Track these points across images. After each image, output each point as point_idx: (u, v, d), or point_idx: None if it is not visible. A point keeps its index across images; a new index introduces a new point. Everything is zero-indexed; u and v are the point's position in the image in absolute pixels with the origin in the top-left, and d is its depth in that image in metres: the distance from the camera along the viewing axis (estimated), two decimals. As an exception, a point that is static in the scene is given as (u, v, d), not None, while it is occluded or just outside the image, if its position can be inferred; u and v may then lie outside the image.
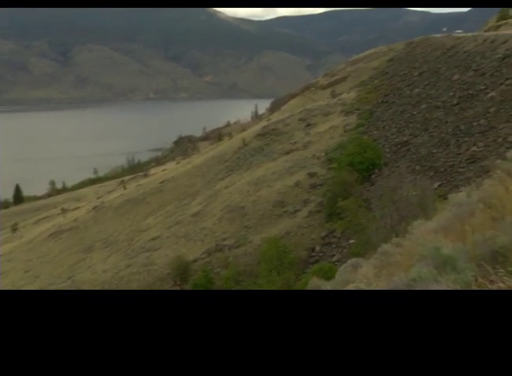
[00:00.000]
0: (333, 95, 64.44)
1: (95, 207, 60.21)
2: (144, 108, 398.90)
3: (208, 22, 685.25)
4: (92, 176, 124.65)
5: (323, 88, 76.42)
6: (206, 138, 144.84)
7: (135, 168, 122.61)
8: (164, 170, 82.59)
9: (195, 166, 59.84)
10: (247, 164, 48.21)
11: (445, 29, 68.91)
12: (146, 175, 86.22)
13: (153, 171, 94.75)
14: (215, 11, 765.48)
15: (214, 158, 58.45)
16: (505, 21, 73.99)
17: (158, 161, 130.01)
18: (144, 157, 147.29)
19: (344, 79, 71.38)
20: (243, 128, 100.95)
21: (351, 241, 24.53)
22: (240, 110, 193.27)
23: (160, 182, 59.21)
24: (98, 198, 74.50)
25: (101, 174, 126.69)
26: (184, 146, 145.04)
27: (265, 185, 37.94)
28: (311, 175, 35.86)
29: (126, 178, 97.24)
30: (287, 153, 44.54)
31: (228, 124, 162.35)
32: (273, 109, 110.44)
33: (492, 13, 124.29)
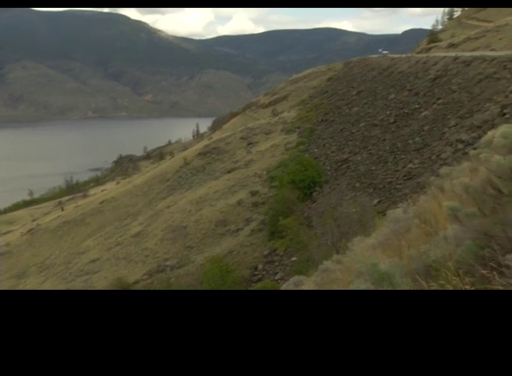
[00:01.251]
0: (274, 113, 65.18)
1: (30, 230, 57.76)
2: (82, 127, 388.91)
3: (148, 40, 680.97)
4: (27, 198, 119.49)
5: (264, 106, 77.27)
6: (147, 157, 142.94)
7: (74, 189, 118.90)
8: (103, 190, 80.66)
9: (136, 186, 58.67)
10: (189, 183, 47.76)
11: (380, 50, 71.76)
12: (85, 196, 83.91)
13: (92, 191, 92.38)
14: (156, 29, 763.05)
15: (156, 177, 57.57)
16: (435, 44, 77.99)
17: (98, 181, 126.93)
18: (83, 178, 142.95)
19: (284, 98, 72.49)
20: (185, 147, 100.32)
21: (294, 259, 24.59)
22: (182, 129, 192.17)
23: (100, 203, 57.63)
24: (33, 221, 71.59)
25: (37, 195, 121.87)
26: (124, 165, 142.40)
27: (207, 204, 37.63)
28: (253, 193, 35.89)
29: (64, 199, 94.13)
30: (229, 171, 44.47)
31: (169, 143, 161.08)
32: (215, 128, 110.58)
33: (422, 36, 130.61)
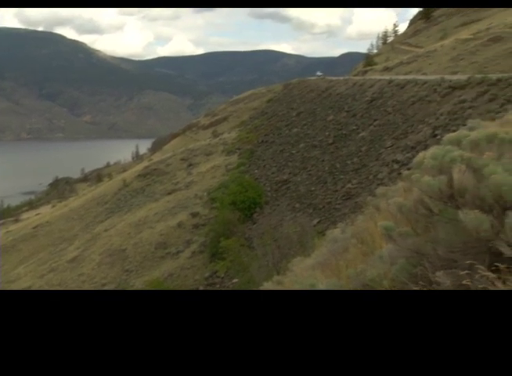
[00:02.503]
0: (215, 134, 65.29)
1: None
2: (15, 149, 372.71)
3: (86, 60, 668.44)
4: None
5: (205, 128, 77.31)
6: (84, 179, 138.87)
7: (5, 213, 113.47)
8: (37, 214, 77.59)
9: (72, 209, 56.79)
10: (128, 205, 46.74)
11: (319, 73, 73.59)
12: (16, 221, 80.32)
13: (25, 215, 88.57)
14: (94, 49, 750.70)
15: (94, 200, 56.01)
16: (370, 67, 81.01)
17: (31, 205, 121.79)
18: (15, 202, 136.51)
19: (225, 119, 72.86)
20: (124, 168, 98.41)
21: (235, 281, 24.37)
22: (121, 151, 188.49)
23: (33, 228, 55.30)
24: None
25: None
26: (61, 188, 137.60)
27: (147, 226, 36.88)
28: (194, 215, 35.52)
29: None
30: (169, 193, 43.91)
31: (108, 165, 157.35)
32: (155, 149, 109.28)
33: (358, 59, 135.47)
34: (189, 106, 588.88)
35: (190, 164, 51.58)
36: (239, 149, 49.44)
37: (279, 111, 54.93)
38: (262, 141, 47.75)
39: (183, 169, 51.03)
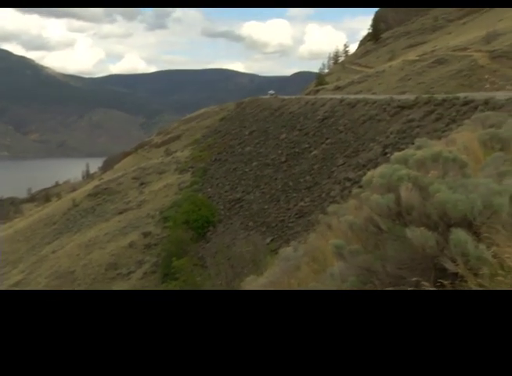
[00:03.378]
0: (168, 153, 64.74)
1: None
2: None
3: (34, 77, 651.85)
4: None
5: (157, 146, 76.59)
6: (31, 199, 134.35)
7: None
8: (-20, 236, 74.15)
9: (17, 230, 54.78)
10: (78, 225, 45.49)
11: (272, 91, 74.36)
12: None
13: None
14: (42, 66, 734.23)
15: (41, 221, 54.21)
16: (322, 86, 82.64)
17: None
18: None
19: (177, 137, 72.43)
20: (74, 188, 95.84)
21: (188, 301, 23.97)
22: (70, 170, 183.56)
23: (-25, 250, 52.86)
24: None
25: None
26: (5, 208, 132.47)
27: (97, 247, 35.94)
28: (146, 234, 34.91)
29: None
30: (121, 212, 43.06)
31: (56, 185, 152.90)
32: (106, 168, 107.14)
33: (310, 78, 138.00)
34: (142, 124, 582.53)
35: (142, 183, 50.85)
36: (192, 167, 49.17)
37: (231, 130, 55.10)
38: (215, 159, 47.69)
39: (135, 188, 50.24)
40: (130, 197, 47.54)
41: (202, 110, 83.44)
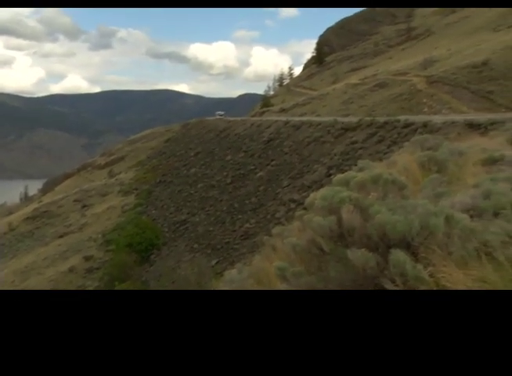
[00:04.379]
0: (111, 174, 63.47)
1: None
2: None
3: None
4: None
5: (101, 167, 74.97)
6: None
7: None
8: None
9: None
10: (14, 250, 43.53)
11: (222, 112, 74.71)
12: None
13: None
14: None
15: (-27, 246, 51.55)
16: (267, 108, 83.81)
17: None
18: None
19: (122, 159, 71.22)
20: (10, 211, 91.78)
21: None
22: (7, 192, 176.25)
23: None
24: None
25: None
26: None
27: (35, 273, 34.46)
28: (88, 258, 33.82)
29: None
30: (61, 236, 41.63)
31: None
32: (46, 190, 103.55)
33: (256, 100, 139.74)
34: (84, 145, 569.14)
35: (84, 206, 49.49)
36: (136, 189, 48.36)
37: (177, 151, 54.77)
38: (160, 181, 47.17)
39: (77, 211, 48.80)
40: (71, 219, 46.08)
41: (147, 131, 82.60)
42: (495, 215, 3.51)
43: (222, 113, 74.77)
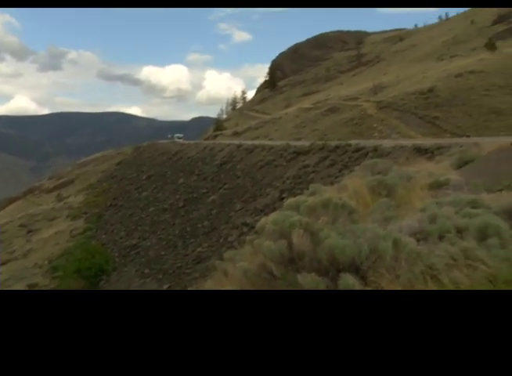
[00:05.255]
0: (60, 198, 61.72)
1: None
2: None
3: None
4: None
5: (49, 191, 72.83)
6: None
7: None
8: None
9: None
10: (-48, 279, 41.40)
11: (179, 135, 73.94)
12: None
13: None
14: None
15: None
16: (220, 132, 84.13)
17: None
18: None
19: (71, 182, 69.52)
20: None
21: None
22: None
23: None
24: None
25: None
26: None
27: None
28: (32, 286, 32.46)
29: None
30: (4, 263, 39.86)
31: None
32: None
33: (209, 124, 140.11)
34: (32, 168, 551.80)
35: (30, 231, 47.77)
36: (85, 213, 47.18)
37: (128, 174, 54.00)
38: (111, 205, 46.26)
39: (21, 236, 47.02)
40: (15, 245, 44.33)
41: (98, 154, 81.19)
42: (441, 238, 3.58)
43: (181, 135, 74.05)
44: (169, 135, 77.14)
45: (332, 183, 13.05)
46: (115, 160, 66.12)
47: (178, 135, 74.41)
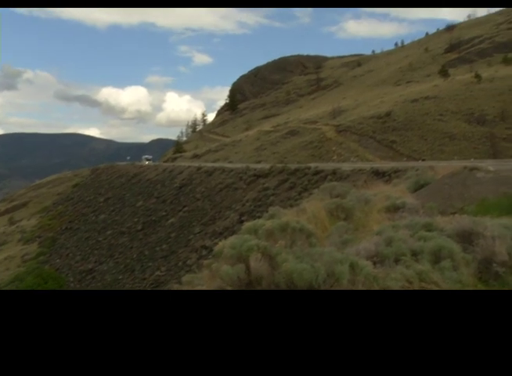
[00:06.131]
0: (12, 222, 59.71)
1: None
2: None
3: None
4: None
5: (0, 214, 70.46)
6: None
7: None
8: None
9: None
10: None
11: (147, 156, 72.33)
12: None
13: None
14: None
15: None
16: (180, 154, 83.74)
17: None
18: None
19: (24, 205, 67.47)
20: None
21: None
22: None
23: None
24: None
25: None
26: None
27: None
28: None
29: None
30: (-48, 289, 38.17)
31: None
32: None
33: (168, 146, 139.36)
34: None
35: (-21, 256, 45.96)
36: (39, 237, 45.80)
37: (85, 197, 52.92)
38: (66, 228, 45.11)
39: (-30, 261, 45.16)
40: (-37, 271, 42.50)
41: (54, 176, 79.34)
42: (397, 261, 3.62)
43: (150, 157, 72.23)
44: (128, 157, 76.00)
45: (291, 206, 13.12)
46: (71, 183, 64.72)
47: (147, 156, 72.69)
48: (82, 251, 36.15)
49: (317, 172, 27.95)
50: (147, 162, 64.75)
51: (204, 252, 24.53)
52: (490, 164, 13.34)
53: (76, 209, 50.01)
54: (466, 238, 3.91)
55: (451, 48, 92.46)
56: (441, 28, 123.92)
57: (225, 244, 4.67)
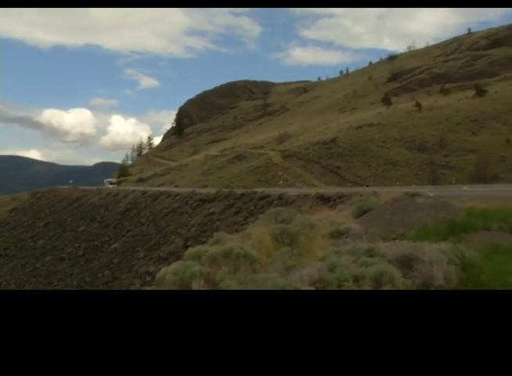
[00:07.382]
0: None
1: None
2: None
3: None
4: None
5: None
6: None
7: None
8: None
9: None
10: None
11: (110, 179, 69.87)
12: None
13: None
14: None
15: None
16: (125, 178, 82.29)
17: None
18: None
19: (-43, 230, 64.12)
20: None
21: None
22: None
23: None
24: None
25: None
26: None
27: None
28: None
29: None
30: None
31: None
32: None
33: (113, 169, 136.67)
34: None
35: None
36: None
37: (23, 221, 50.87)
38: (1, 255, 43.07)
39: None
40: None
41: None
42: (339, 286, 3.64)
43: (114, 180, 69.17)
44: (70, 181, 73.91)
45: (237, 231, 13.09)
46: (9, 207, 62.04)
47: (110, 180, 69.72)
48: (17, 279, 34.53)
49: (263, 197, 28.13)
50: (111, 186, 60.88)
51: (148, 278, 24.01)
52: (430, 191, 13.87)
53: (12, 235, 47.90)
54: (406, 263, 3.99)
55: (393, 78, 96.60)
56: (383, 58, 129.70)
57: (167, 270, 4.59)
